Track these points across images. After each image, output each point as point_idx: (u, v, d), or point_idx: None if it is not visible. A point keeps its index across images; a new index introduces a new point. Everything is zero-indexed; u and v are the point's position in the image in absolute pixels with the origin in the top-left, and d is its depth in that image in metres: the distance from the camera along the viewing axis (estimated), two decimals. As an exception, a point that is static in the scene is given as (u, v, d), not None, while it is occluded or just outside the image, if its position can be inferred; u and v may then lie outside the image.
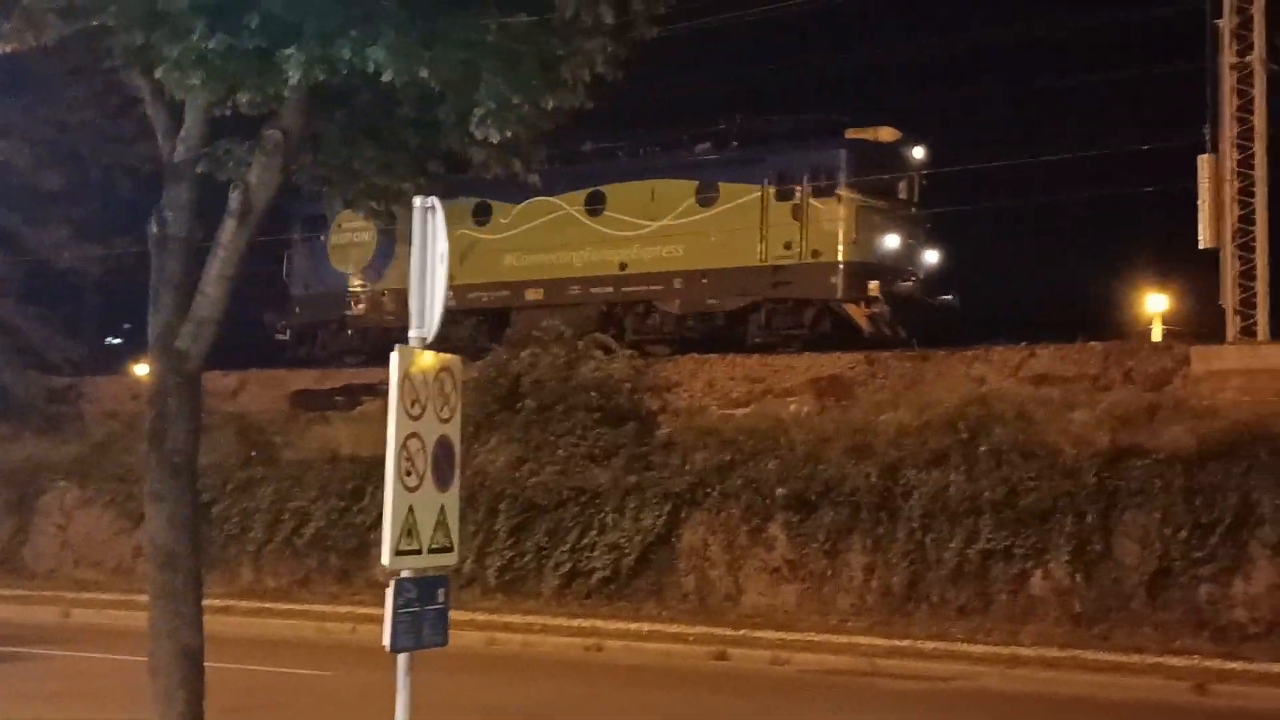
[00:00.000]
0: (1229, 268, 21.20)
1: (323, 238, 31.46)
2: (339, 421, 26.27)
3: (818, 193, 26.09)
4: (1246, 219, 21.43)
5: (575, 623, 20.30)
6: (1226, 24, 20.94)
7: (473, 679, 15.38)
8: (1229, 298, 21.10)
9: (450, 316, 30.52)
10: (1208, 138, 22.13)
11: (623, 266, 27.74)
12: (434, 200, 8.19)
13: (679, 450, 22.34)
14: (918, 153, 27.01)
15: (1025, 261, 32.29)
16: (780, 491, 21.07)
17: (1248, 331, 20.78)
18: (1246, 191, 21.46)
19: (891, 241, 26.30)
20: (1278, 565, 17.91)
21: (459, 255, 29.96)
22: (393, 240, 29.54)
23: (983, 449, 20.01)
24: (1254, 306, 20.78)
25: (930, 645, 18.22)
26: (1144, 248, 28.92)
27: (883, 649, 18.12)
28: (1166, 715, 14.99)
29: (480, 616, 20.34)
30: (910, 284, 26.22)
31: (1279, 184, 21.83)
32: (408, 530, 7.94)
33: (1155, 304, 24.71)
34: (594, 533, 22.06)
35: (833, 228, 25.88)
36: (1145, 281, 29.05)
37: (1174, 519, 18.43)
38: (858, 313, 25.77)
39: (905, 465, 20.42)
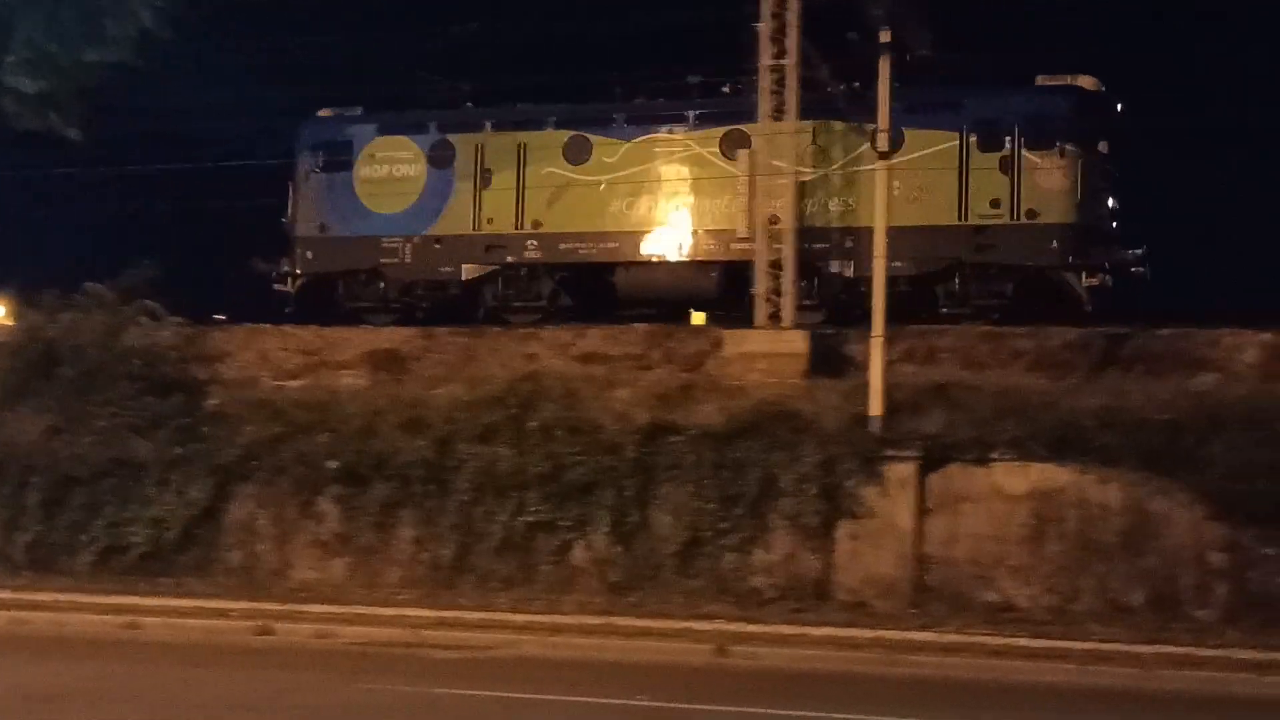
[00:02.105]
0: (761, 257, 22.74)
1: (348, 169, 26.47)
2: None
3: (1033, 145, 23.29)
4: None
5: (112, 600, 19.50)
6: (764, 29, 22.41)
7: (-8, 662, 14.53)
8: (760, 285, 22.64)
9: (530, 271, 25.07)
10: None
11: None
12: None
13: (228, 422, 21.88)
14: (1119, 106, 24.14)
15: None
16: (332, 465, 21.05)
17: (775, 317, 22.37)
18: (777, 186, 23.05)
19: (1112, 204, 23.48)
20: (794, 535, 19.47)
21: (546, 199, 25.50)
22: (450, 175, 26.01)
23: (532, 424, 20.69)
24: (780, 294, 22.38)
25: (475, 615, 18.66)
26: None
27: (429, 620, 18.42)
28: (689, 676, 15.99)
29: (6, 595, 19.21)
30: (1140, 252, 23.33)
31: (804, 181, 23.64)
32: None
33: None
34: (135, 506, 21.33)
35: (1055, 185, 23.09)
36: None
37: (704, 492, 19.69)
38: (1079, 284, 23.20)
39: (457, 439, 20.83)
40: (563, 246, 25.13)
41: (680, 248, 24.53)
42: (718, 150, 24.70)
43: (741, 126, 24.22)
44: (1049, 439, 19.06)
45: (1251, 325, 20.97)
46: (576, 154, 25.46)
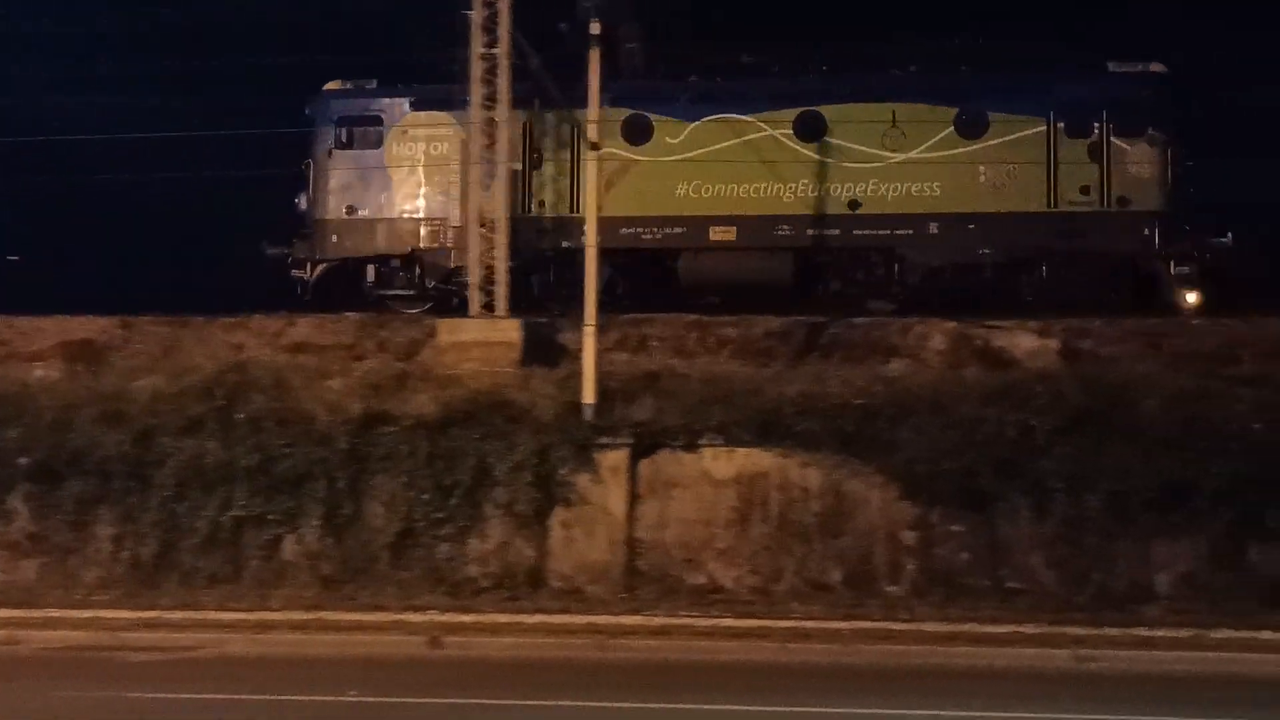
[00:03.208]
0: (474, 247, 22.71)
1: (378, 146, 24.91)
2: None
3: (1122, 131, 23.47)
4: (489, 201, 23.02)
5: None
6: (476, 16, 22.35)
7: None
8: (473, 274, 22.61)
9: (558, 260, 23.70)
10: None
11: (853, 205, 23.66)
12: None
13: (-97, 418, 20.52)
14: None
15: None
16: (22, 461, 20.04)
17: (489, 307, 22.38)
18: (489, 175, 23.02)
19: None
20: (509, 524, 19.52)
21: (606, 180, 23.19)
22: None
23: (239, 416, 20.13)
24: (494, 283, 22.41)
25: (178, 615, 18.10)
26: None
27: (128, 621, 17.78)
28: (401, 668, 15.92)
29: None
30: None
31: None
32: None
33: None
34: None
35: (1145, 172, 23.31)
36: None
37: (418, 482, 19.54)
38: (1169, 272, 23.27)
39: (159, 433, 20.11)
40: (623, 232, 24.09)
41: (754, 234, 23.81)
42: (791, 132, 24.24)
43: (818, 108, 24.05)
44: (754, 424, 19.64)
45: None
46: (636, 134, 24.64)
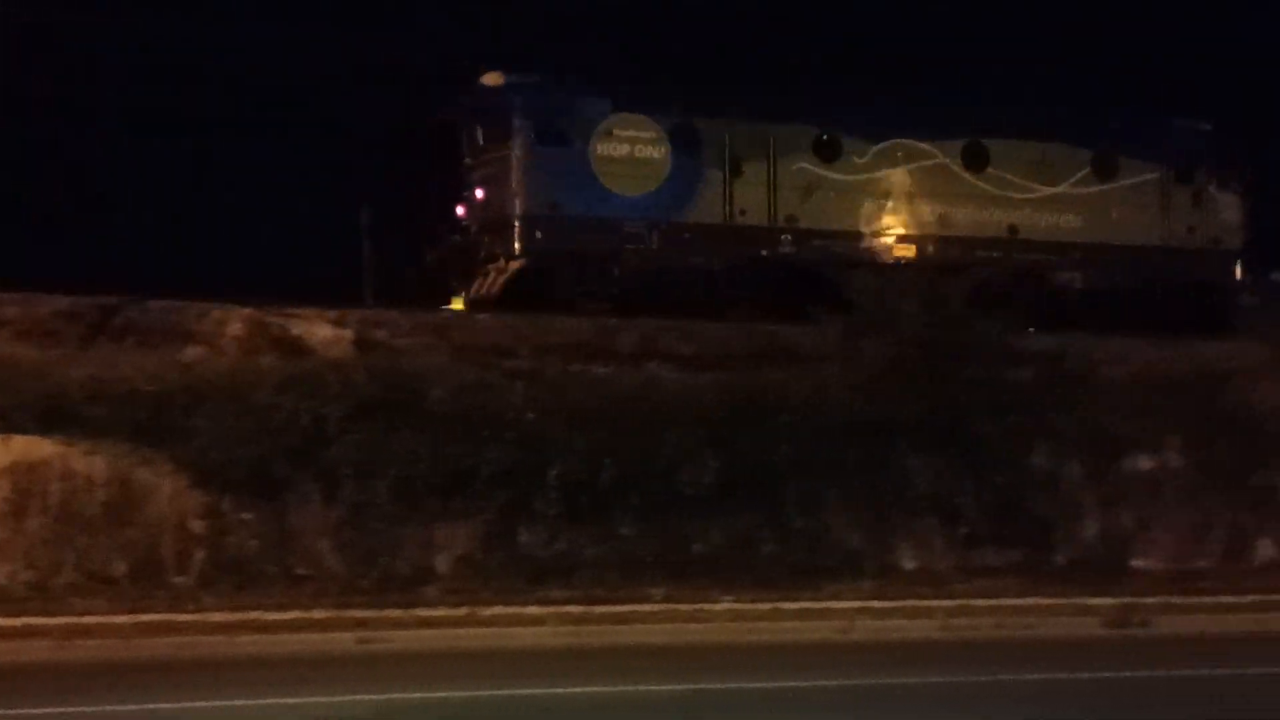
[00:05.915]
0: None
1: (584, 143, 24.89)
2: None
3: (1216, 180, 27.88)
4: None
5: None
6: None
7: None
8: None
9: (756, 268, 26.05)
10: None
11: (1013, 231, 26.68)
12: None
13: None
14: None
15: None
16: None
17: None
18: None
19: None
20: None
21: (800, 194, 25.68)
22: (696, 161, 25.56)
23: None
24: None
25: None
26: None
27: None
28: None
29: None
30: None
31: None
32: None
33: None
34: None
35: (1231, 217, 27.81)
36: None
37: None
38: (1242, 303, 27.19)
39: None
40: (816, 244, 26.00)
41: (932, 251, 26.30)
42: (960, 160, 26.71)
43: (982, 139, 26.83)
44: (36, 411, 18.73)
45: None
46: (827, 152, 26.34)
